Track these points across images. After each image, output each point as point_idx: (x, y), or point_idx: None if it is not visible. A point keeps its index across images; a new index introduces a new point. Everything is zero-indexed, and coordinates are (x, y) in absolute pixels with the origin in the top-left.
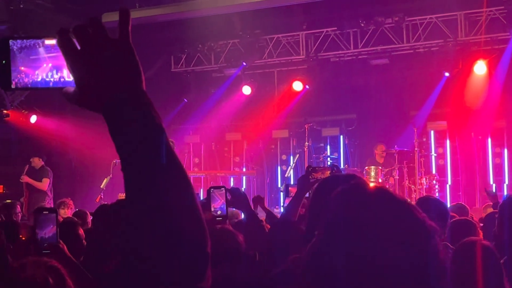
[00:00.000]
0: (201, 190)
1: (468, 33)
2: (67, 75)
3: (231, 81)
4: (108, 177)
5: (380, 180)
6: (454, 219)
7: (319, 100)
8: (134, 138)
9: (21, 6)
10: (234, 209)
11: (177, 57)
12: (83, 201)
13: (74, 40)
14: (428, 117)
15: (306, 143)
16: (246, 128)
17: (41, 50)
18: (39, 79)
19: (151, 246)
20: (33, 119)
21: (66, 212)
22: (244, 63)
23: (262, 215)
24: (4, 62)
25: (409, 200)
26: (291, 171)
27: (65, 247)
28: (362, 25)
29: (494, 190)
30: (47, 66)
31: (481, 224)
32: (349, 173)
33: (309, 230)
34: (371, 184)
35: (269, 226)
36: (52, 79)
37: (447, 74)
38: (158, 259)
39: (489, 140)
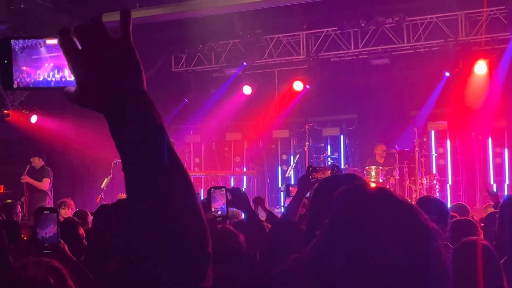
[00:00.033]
0: (202, 190)
1: (468, 33)
2: (68, 75)
3: (232, 81)
4: (109, 177)
5: (380, 180)
6: (454, 219)
7: (320, 100)
8: (135, 138)
9: (22, 6)
10: (234, 209)
11: (178, 57)
12: (83, 201)
13: (75, 40)
14: (429, 117)
15: (307, 143)
16: (246, 128)
17: (43, 50)
18: (40, 79)
19: (152, 246)
20: (34, 119)
21: (66, 212)
22: (245, 63)
23: (262, 215)
24: (6, 61)
25: (410, 201)
26: (292, 171)
27: (65, 247)
28: (363, 25)
29: (495, 190)
30: (49, 65)
31: (482, 224)
32: (349, 173)
33: (310, 230)
34: (372, 185)
35: (269, 226)
36: (53, 79)
37: (447, 74)
38: (159, 259)
39: (490, 140)
